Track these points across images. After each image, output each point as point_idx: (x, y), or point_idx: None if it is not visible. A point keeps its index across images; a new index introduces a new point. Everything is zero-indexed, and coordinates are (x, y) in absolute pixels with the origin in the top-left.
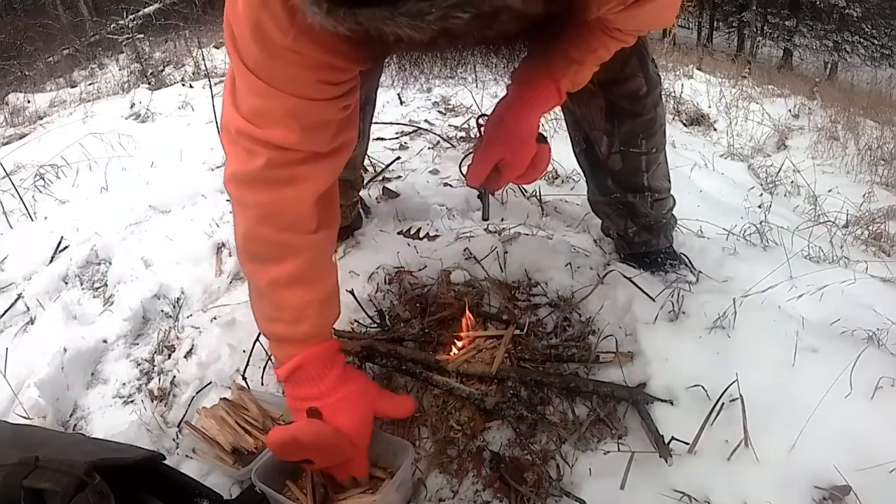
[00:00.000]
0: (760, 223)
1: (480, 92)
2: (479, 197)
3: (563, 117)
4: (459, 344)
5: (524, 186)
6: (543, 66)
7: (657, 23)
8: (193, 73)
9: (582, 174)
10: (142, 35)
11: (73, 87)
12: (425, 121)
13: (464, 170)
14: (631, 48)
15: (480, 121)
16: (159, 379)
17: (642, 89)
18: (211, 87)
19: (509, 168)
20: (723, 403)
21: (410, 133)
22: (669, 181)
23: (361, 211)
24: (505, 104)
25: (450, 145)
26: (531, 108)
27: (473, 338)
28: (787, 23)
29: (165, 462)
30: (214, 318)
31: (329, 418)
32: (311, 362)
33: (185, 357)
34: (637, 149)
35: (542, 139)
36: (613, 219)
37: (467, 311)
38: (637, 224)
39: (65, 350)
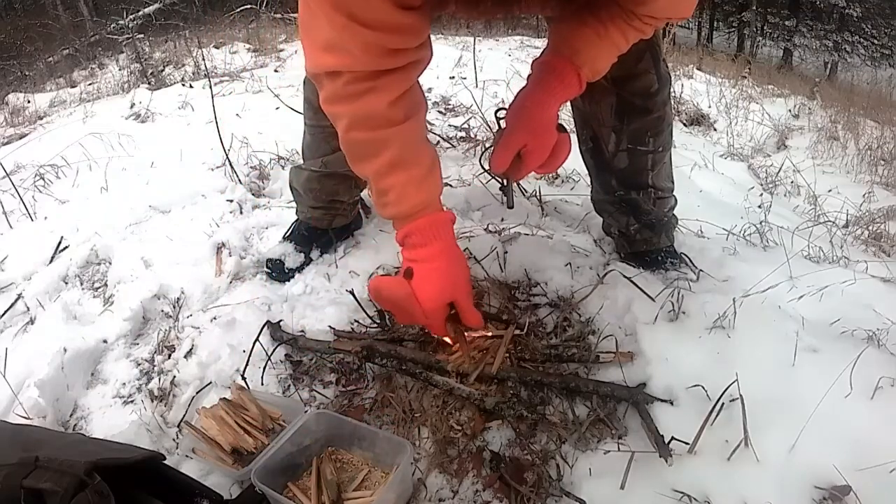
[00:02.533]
0: (760, 223)
1: (481, 92)
2: (501, 188)
3: (572, 117)
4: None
5: (524, 186)
6: (565, 55)
7: (676, 11)
8: (193, 73)
9: (587, 172)
10: (142, 35)
11: (73, 87)
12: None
13: (485, 163)
14: (646, 44)
15: (500, 113)
16: (159, 379)
17: (654, 86)
18: (211, 87)
19: (532, 155)
20: (723, 403)
21: None
22: (673, 182)
23: (361, 211)
24: (526, 92)
25: (450, 145)
26: (552, 95)
27: (472, 338)
28: (787, 23)
29: (165, 462)
30: (214, 318)
31: (416, 281)
32: (417, 230)
33: (185, 357)
34: (644, 146)
35: (561, 129)
36: (616, 216)
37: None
38: (639, 221)
39: (65, 350)
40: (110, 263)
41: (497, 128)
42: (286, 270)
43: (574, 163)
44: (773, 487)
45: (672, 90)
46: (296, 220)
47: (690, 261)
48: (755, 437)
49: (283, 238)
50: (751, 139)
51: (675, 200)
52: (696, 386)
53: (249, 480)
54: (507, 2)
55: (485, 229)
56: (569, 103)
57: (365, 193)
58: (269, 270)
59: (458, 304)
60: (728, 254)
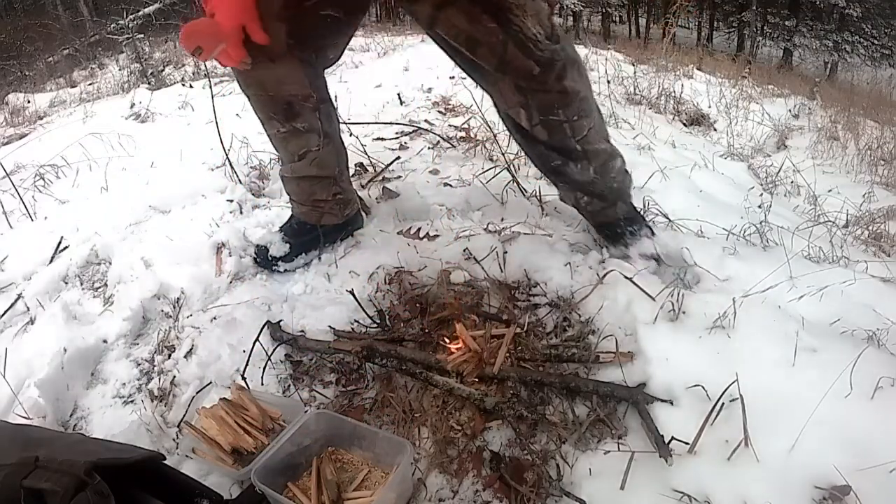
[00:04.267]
0: (760, 223)
1: (481, 92)
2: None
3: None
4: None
5: (524, 186)
6: None
7: None
8: (193, 73)
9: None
10: (142, 35)
11: (73, 87)
12: (425, 121)
13: None
14: (504, 33)
15: None
16: (159, 379)
17: (534, 70)
18: (211, 87)
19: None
20: (723, 403)
21: (410, 133)
22: (608, 141)
23: (362, 211)
24: None
25: (450, 145)
26: None
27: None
28: (787, 23)
29: (165, 462)
30: (214, 318)
31: (214, 5)
32: None
33: (185, 357)
34: (556, 117)
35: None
36: (564, 189)
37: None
38: (587, 193)
39: (65, 350)
40: (110, 263)
41: None
42: (269, 258)
43: None
44: (773, 487)
45: (573, 61)
46: (290, 216)
47: (664, 215)
48: (755, 437)
49: (279, 229)
50: (751, 139)
51: (622, 160)
52: (696, 386)
53: (249, 480)
54: None
55: (485, 229)
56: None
57: (364, 193)
58: (254, 256)
59: (247, 26)
60: (728, 254)
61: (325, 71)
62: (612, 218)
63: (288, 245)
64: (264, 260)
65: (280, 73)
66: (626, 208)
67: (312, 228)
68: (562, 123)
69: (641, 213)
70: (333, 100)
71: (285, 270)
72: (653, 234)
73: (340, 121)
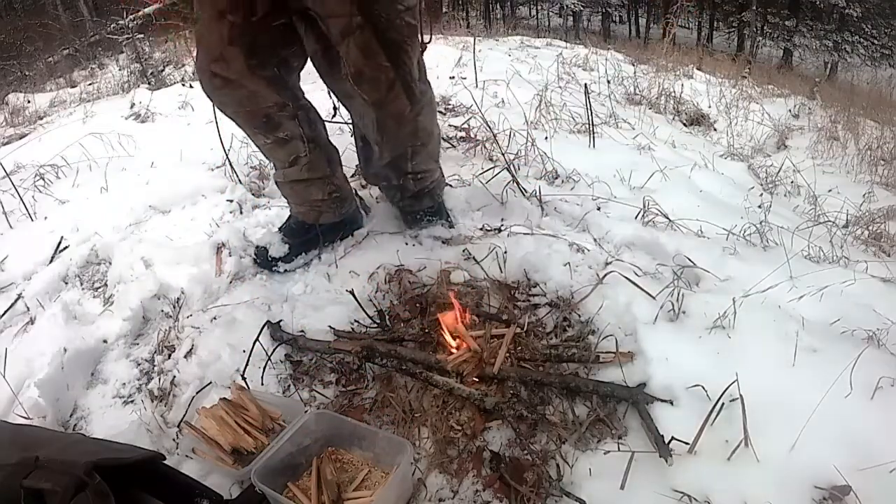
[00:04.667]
0: (760, 223)
1: (481, 92)
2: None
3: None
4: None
5: (524, 186)
6: None
7: None
8: (193, 73)
9: (578, 171)
10: (142, 35)
11: (73, 87)
12: None
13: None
14: (395, 74)
15: None
16: (159, 379)
17: (407, 109)
18: None
19: None
20: (723, 403)
21: None
22: (436, 162)
23: (362, 211)
24: None
25: (450, 145)
26: None
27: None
28: (787, 23)
29: (165, 462)
30: (214, 318)
31: None
32: None
33: (185, 357)
34: (403, 145)
35: None
36: (385, 190)
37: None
38: (404, 197)
39: (65, 350)
40: (110, 263)
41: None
42: (269, 259)
43: (574, 163)
44: (773, 487)
45: (432, 97)
46: (289, 216)
47: (451, 216)
48: (755, 437)
49: (278, 229)
50: (751, 139)
51: (439, 173)
52: (696, 386)
53: (249, 480)
54: None
55: (480, 228)
56: (343, 107)
57: (365, 193)
58: (254, 257)
59: None
60: (728, 254)
61: (301, 75)
62: (417, 209)
63: (287, 245)
64: (264, 261)
65: (250, 90)
66: (430, 203)
67: (311, 228)
68: (406, 148)
69: (446, 209)
70: (311, 102)
71: (285, 271)
72: (452, 226)
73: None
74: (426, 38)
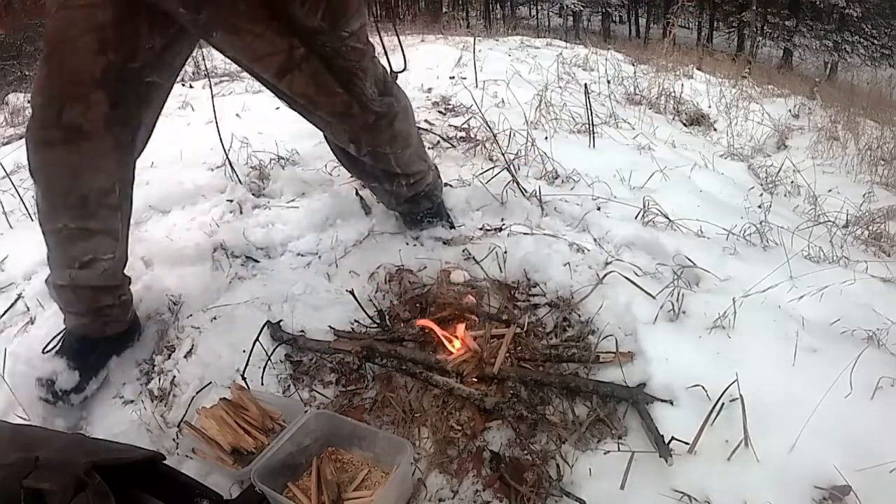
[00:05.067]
0: (760, 223)
1: (481, 92)
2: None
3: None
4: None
5: (524, 186)
6: None
7: None
8: (193, 73)
9: (584, 172)
10: None
11: None
12: (425, 121)
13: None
14: (350, 97)
15: None
16: (159, 379)
17: (370, 119)
18: (211, 87)
19: None
20: (723, 403)
21: None
22: (425, 162)
23: (362, 210)
24: None
25: (450, 145)
26: None
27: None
28: (787, 23)
29: (165, 462)
30: (214, 318)
31: None
32: None
33: (185, 357)
34: (383, 150)
35: None
36: (379, 195)
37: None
38: (399, 202)
39: None
40: None
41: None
42: (59, 393)
43: (574, 163)
44: (773, 487)
45: (402, 107)
46: (63, 331)
47: (451, 217)
48: (755, 437)
49: (45, 350)
50: (751, 139)
51: (433, 174)
52: (696, 386)
53: (249, 480)
54: None
55: (479, 228)
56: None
57: (366, 192)
58: (40, 396)
59: None
60: (728, 254)
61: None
62: (416, 212)
63: (77, 372)
64: (54, 396)
65: (85, 158)
66: (429, 205)
67: (96, 343)
68: (387, 154)
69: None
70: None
71: (84, 400)
72: (452, 227)
73: None
74: (399, 66)
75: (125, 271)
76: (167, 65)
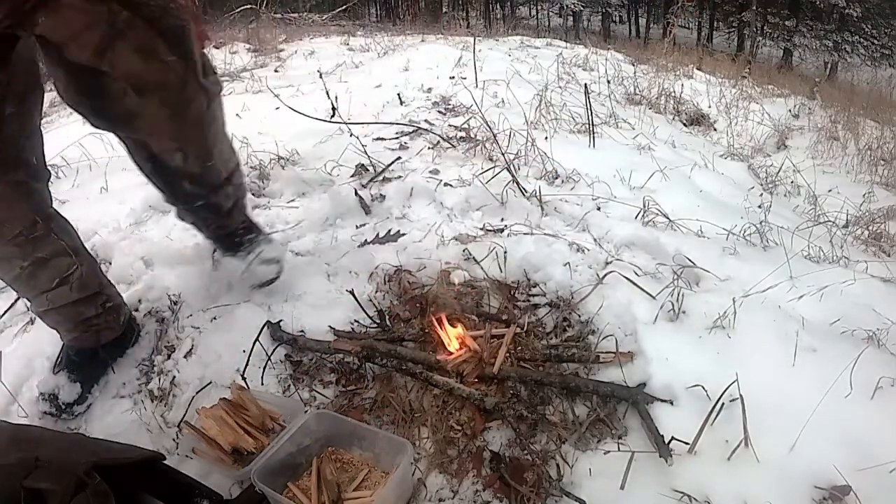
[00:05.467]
0: (760, 223)
1: (481, 92)
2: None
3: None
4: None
5: (524, 186)
6: None
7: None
8: None
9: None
10: None
11: None
12: (425, 121)
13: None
14: (185, 67)
15: None
16: (159, 379)
17: (203, 106)
18: None
19: None
20: (723, 403)
21: (410, 133)
22: (234, 152)
23: (362, 210)
24: None
25: (450, 145)
26: None
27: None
28: (787, 23)
29: (165, 462)
30: (214, 318)
31: None
32: None
33: (185, 357)
34: (208, 149)
35: None
36: (200, 226)
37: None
38: (220, 216)
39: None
40: (110, 263)
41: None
42: (62, 406)
43: (574, 163)
44: (773, 487)
45: (218, 96)
46: (62, 346)
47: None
48: (755, 437)
49: (54, 370)
50: (751, 139)
51: (241, 173)
52: (696, 386)
53: (249, 480)
54: None
55: (480, 228)
56: (122, 141)
57: (365, 193)
58: (43, 411)
59: None
60: (728, 254)
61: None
62: (231, 228)
63: (78, 384)
64: (57, 410)
65: None
66: (241, 217)
67: (94, 353)
68: (213, 155)
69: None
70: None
71: (86, 410)
72: (270, 241)
73: (339, 120)
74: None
75: (130, 274)
76: (17, 93)
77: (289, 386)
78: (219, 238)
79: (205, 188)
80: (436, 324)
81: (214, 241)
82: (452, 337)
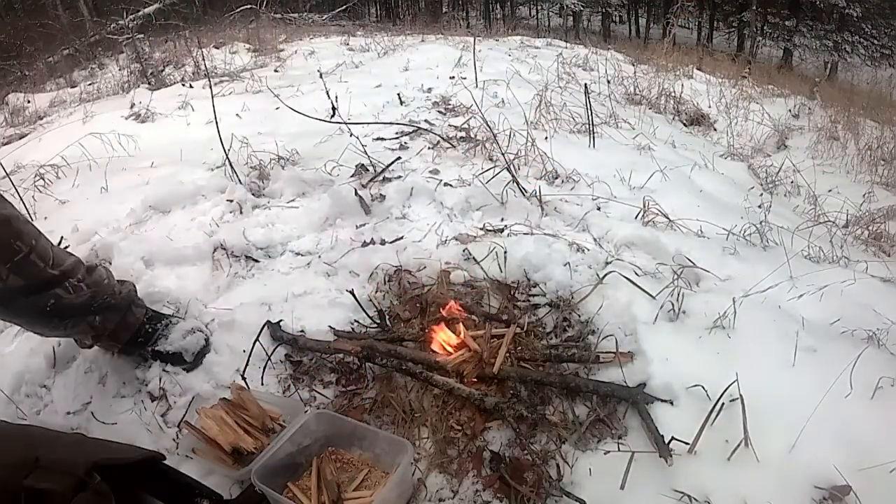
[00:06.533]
0: (760, 223)
1: (481, 92)
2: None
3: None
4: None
5: (524, 186)
6: None
7: None
8: (193, 73)
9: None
10: (142, 35)
11: (73, 87)
12: (425, 121)
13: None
14: None
15: None
16: (159, 379)
17: None
18: (211, 87)
19: None
20: (723, 403)
21: (410, 133)
22: (69, 253)
23: (362, 210)
24: None
25: (450, 145)
26: None
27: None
28: (787, 23)
29: (165, 462)
30: (214, 318)
31: None
32: None
33: None
34: (20, 253)
35: None
36: (73, 334)
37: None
38: (97, 311)
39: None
40: (110, 263)
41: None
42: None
43: (574, 162)
44: (773, 487)
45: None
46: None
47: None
48: (755, 437)
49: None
50: (751, 139)
51: (103, 268)
52: (696, 386)
53: (249, 480)
54: None
55: (480, 228)
56: None
57: (365, 193)
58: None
59: None
60: (728, 254)
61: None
62: (136, 324)
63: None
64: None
65: None
66: (142, 311)
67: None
68: (28, 256)
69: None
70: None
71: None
72: (175, 323)
73: (339, 120)
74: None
75: (128, 276)
76: None
77: (289, 386)
78: (126, 346)
79: (39, 291)
80: (435, 329)
81: (123, 351)
82: (452, 337)
